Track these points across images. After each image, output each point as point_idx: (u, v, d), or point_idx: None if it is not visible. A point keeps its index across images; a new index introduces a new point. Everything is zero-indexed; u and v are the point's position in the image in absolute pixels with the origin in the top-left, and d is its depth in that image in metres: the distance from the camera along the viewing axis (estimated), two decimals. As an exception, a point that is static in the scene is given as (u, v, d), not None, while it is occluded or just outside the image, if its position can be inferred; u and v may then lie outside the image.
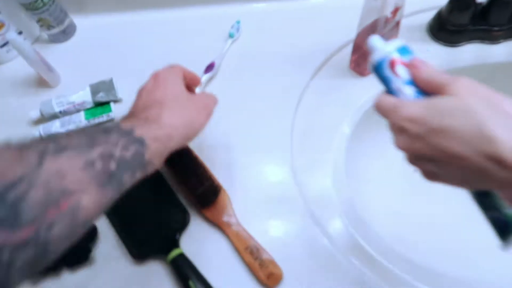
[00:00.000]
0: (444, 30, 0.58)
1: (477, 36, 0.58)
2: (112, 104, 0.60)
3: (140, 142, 0.35)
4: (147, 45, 0.67)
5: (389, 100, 0.33)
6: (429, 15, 0.61)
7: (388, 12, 0.50)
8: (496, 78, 0.61)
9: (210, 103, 0.45)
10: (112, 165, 0.33)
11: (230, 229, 0.49)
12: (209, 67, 0.60)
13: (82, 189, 0.30)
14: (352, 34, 0.55)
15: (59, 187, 0.29)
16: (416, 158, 0.32)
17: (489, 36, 0.58)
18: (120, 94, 0.60)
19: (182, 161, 0.52)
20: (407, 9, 0.61)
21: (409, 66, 0.33)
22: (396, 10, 0.51)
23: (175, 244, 0.48)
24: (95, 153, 0.32)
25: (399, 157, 0.65)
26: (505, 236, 0.34)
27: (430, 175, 0.32)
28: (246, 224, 0.49)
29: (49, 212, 0.28)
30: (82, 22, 0.71)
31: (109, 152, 0.33)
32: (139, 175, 0.35)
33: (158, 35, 0.68)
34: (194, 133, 0.42)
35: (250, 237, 0.48)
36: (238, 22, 0.65)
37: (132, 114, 0.40)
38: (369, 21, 0.52)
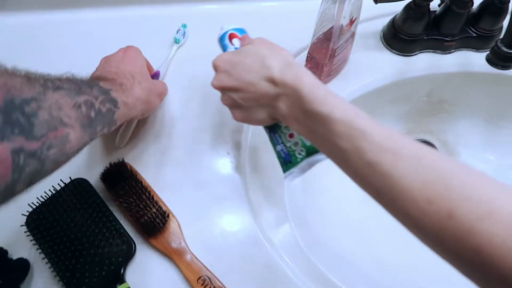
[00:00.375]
0: (398, 38, 0.57)
1: (430, 46, 0.58)
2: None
3: (114, 102, 0.41)
4: (81, 48, 0.60)
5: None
6: (383, 22, 0.60)
7: (344, 22, 0.48)
8: (447, 87, 0.61)
9: (164, 92, 0.53)
10: (92, 113, 0.37)
11: (181, 259, 0.45)
12: (153, 77, 0.55)
13: (71, 124, 0.34)
14: (306, 40, 0.53)
15: (58, 116, 0.33)
16: (225, 93, 0.41)
17: (441, 46, 0.58)
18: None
19: (125, 185, 0.47)
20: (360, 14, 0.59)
21: (240, 39, 0.47)
22: (352, 22, 0.48)
23: (120, 280, 0.44)
24: (81, 99, 0.36)
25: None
26: (287, 166, 0.43)
27: (238, 111, 0.42)
28: (196, 251, 0.45)
29: (50, 134, 0.31)
30: (4, 20, 0.62)
31: (91, 102, 0.37)
32: (106, 130, 0.40)
33: (94, 37, 0.61)
34: (149, 111, 0.50)
35: (202, 266, 0.45)
36: (184, 26, 0.60)
37: (105, 77, 0.43)
38: (324, 29, 0.50)
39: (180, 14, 0.62)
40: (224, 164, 0.51)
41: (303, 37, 0.56)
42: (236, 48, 0.46)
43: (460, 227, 0.25)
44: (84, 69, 0.43)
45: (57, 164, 0.34)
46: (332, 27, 0.48)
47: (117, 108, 0.41)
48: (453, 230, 0.25)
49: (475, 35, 0.57)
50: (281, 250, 0.47)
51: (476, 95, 0.62)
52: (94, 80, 0.42)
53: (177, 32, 0.59)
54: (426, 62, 0.58)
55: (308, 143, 0.41)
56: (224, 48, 0.48)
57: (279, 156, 0.43)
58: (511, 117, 0.63)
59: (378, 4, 0.52)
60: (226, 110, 0.43)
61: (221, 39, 0.48)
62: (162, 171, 0.50)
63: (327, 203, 0.57)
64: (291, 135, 0.42)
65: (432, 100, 0.64)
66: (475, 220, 0.25)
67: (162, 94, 0.51)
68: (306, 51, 0.54)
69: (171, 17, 0.62)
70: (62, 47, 0.60)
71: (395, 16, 0.57)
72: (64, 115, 0.33)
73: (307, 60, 0.55)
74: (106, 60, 0.48)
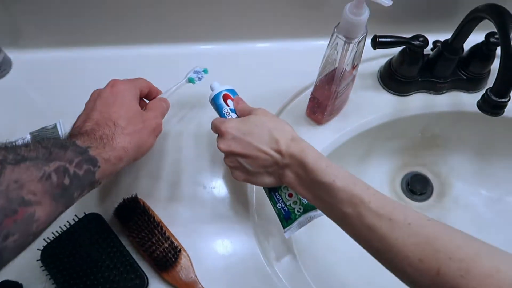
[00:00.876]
0: (394, 80, 0.61)
1: (424, 87, 0.62)
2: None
3: (93, 162, 0.37)
4: (94, 84, 0.62)
5: (220, 119, 0.48)
6: (380, 63, 0.64)
7: (347, 68, 0.51)
8: (440, 124, 0.65)
9: (159, 123, 0.47)
10: (66, 181, 0.34)
11: (192, 293, 0.47)
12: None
13: (37, 200, 0.31)
14: (311, 78, 0.56)
15: (18, 196, 0.30)
16: (232, 156, 0.45)
17: (434, 87, 0.62)
18: (65, 141, 0.56)
19: (138, 220, 0.49)
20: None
21: (233, 100, 0.51)
22: (354, 67, 0.52)
23: (133, 313, 0.45)
24: (52, 167, 0.33)
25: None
26: (287, 222, 0.47)
27: (240, 173, 0.45)
28: (206, 282, 0.47)
29: (6, 221, 0.29)
30: (19, 57, 0.65)
31: (64, 168, 0.34)
32: (86, 192, 0.38)
33: (105, 73, 0.64)
34: (142, 155, 0.45)
35: (213, 300, 0.47)
36: (205, 71, 0.55)
37: (84, 131, 0.40)
38: (327, 71, 0.53)
39: (187, 52, 0.65)
40: (233, 199, 0.54)
41: (307, 77, 0.59)
42: (232, 110, 0.50)
43: (447, 282, 0.30)
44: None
45: (22, 249, 0.31)
46: (335, 70, 0.51)
47: (97, 167, 0.37)
48: (442, 285, 0.31)
49: (465, 77, 0.61)
50: (286, 282, 0.49)
51: (466, 132, 0.66)
52: (71, 138, 0.39)
53: (194, 72, 0.55)
54: (420, 102, 0.62)
55: (305, 201, 0.46)
56: (219, 108, 0.50)
57: (279, 213, 0.48)
58: (500, 153, 0.67)
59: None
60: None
61: (215, 99, 0.51)
62: (174, 207, 0.52)
63: (332, 236, 0.60)
64: (290, 195, 0.47)
65: (425, 135, 0.67)
66: (458, 277, 0.30)
67: (156, 129, 0.46)
68: (309, 90, 0.58)
69: (176, 55, 0.65)
70: (71, 84, 0.63)
71: (392, 58, 0.61)
72: (27, 193, 0.30)
73: (310, 100, 0.58)
74: (92, 95, 0.45)
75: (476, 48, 0.59)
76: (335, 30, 0.46)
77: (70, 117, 0.44)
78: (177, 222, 0.51)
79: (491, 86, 0.46)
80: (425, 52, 0.60)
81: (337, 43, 0.47)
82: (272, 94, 0.61)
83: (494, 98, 0.46)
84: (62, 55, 0.65)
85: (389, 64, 0.61)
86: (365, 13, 0.43)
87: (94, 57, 0.65)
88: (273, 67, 0.65)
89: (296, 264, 0.51)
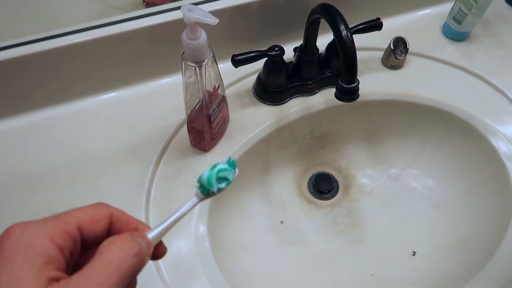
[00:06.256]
0: (267, 91, 0.63)
1: (296, 91, 0.65)
2: None
3: None
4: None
5: None
6: (252, 80, 0.66)
7: (209, 89, 0.52)
8: (323, 122, 0.68)
9: None
10: None
11: None
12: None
13: None
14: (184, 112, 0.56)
15: None
16: None
17: (306, 89, 0.65)
18: None
19: None
20: (231, 77, 0.65)
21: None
22: (216, 89, 0.53)
23: None
24: None
25: (262, 214, 0.66)
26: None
27: None
28: None
29: None
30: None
31: None
32: None
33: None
34: None
35: None
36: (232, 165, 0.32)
37: None
38: (196, 101, 0.54)
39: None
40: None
41: (180, 112, 0.59)
42: None
43: None
44: None
45: None
46: (202, 96, 0.52)
47: None
48: None
49: (330, 74, 0.65)
50: None
51: (350, 123, 0.70)
52: None
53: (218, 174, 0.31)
54: (297, 106, 0.65)
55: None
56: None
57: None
58: (384, 134, 0.71)
59: (242, 66, 0.58)
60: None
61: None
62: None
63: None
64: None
65: (315, 135, 0.70)
66: None
67: None
68: (184, 125, 0.58)
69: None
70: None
71: (259, 73, 0.64)
72: None
73: (189, 132, 0.58)
74: None
75: (330, 46, 0.63)
76: (182, 57, 0.47)
77: None
78: None
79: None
80: (288, 60, 0.63)
81: (189, 70, 0.48)
82: (150, 137, 0.60)
83: (345, 85, 0.49)
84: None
85: (258, 78, 0.64)
86: (202, 35, 0.45)
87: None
88: (139, 113, 0.63)
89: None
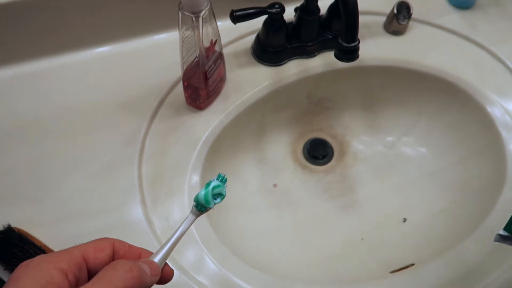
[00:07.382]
0: (266, 51, 0.61)
1: (295, 53, 0.63)
2: None
3: None
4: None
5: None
6: (251, 39, 0.64)
7: (205, 43, 0.51)
8: (320, 86, 0.67)
9: None
10: None
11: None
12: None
13: None
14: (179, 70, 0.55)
15: None
16: None
17: (305, 51, 0.63)
18: None
19: (17, 251, 0.45)
20: (229, 36, 0.64)
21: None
22: (213, 43, 0.52)
23: None
24: None
25: (256, 176, 0.66)
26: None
27: None
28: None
29: None
30: None
31: None
32: None
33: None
34: None
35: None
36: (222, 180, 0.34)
37: None
38: (192, 57, 0.52)
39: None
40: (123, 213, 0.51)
41: (176, 69, 0.58)
42: None
43: None
44: None
45: None
46: (198, 51, 0.51)
47: None
48: None
49: (331, 36, 0.63)
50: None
51: (347, 89, 0.68)
52: None
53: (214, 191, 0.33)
54: (296, 68, 0.63)
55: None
56: None
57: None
58: (381, 102, 0.70)
59: (242, 23, 0.56)
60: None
61: None
62: (58, 227, 0.48)
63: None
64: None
65: (313, 101, 0.69)
66: None
67: None
68: (180, 83, 0.56)
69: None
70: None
71: (258, 32, 0.62)
72: None
73: (184, 89, 0.57)
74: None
75: (332, 7, 0.62)
76: (179, 7, 0.46)
77: None
78: (64, 242, 0.47)
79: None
80: (289, 21, 0.62)
81: (186, 22, 0.47)
82: (145, 93, 0.58)
83: (345, 44, 0.48)
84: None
85: (257, 37, 0.62)
86: (201, -16, 0.43)
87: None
88: (134, 68, 0.61)
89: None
